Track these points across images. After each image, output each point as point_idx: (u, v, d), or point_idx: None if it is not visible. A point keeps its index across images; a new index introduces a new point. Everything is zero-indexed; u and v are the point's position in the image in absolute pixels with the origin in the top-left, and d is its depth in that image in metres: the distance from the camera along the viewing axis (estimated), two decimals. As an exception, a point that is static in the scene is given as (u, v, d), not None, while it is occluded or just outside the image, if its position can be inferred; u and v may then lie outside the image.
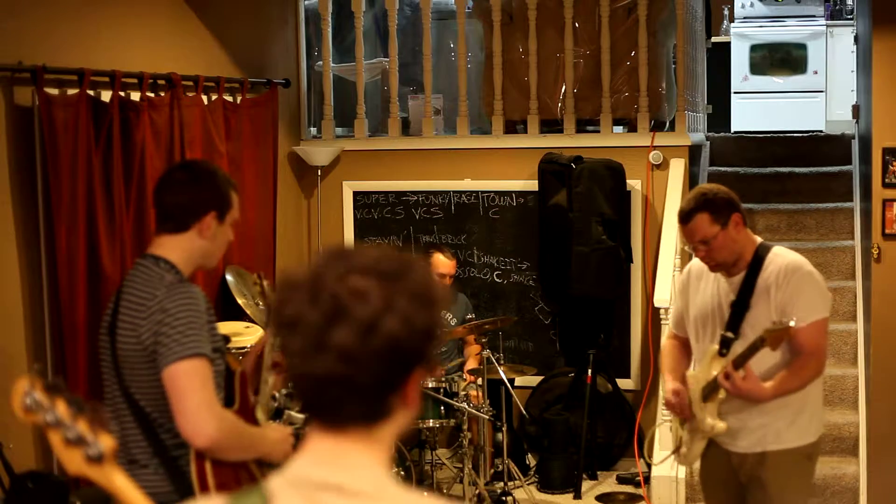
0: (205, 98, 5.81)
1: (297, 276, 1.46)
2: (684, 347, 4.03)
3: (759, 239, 3.82)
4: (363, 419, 1.45)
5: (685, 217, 3.71)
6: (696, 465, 4.13)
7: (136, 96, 5.23)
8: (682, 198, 6.44)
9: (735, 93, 9.09)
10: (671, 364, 4.01)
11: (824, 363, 3.74)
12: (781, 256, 3.73)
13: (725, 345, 3.71)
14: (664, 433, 6.09)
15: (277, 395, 3.81)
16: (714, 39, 8.75)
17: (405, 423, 1.49)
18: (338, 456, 1.45)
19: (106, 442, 1.50)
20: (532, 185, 6.76)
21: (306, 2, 7.42)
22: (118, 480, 1.53)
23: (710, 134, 8.11)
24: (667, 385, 3.94)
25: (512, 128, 7.07)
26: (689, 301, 3.93)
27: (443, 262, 6.06)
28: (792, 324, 3.44)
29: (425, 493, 3.11)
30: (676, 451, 4.04)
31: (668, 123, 7.06)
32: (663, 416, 6.05)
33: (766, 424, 3.74)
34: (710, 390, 3.74)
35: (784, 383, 3.65)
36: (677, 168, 6.58)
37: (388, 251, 1.48)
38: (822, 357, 3.71)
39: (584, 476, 6.28)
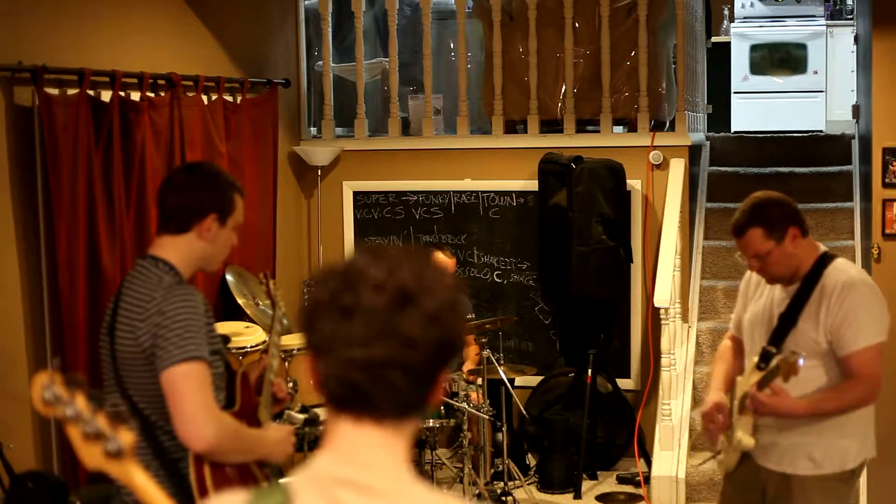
0: (205, 98, 5.81)
1: (345, 267, 1.49)
2: (740, 350, 3.82)
3: (822, 248, 3.60)
4: (401, 411, 1.49)
5: (738, 231, 3.52)
6: (707, 465, 3.97)
7: (136, 96, 5.23)
8: (680, 197, 6.46)
9: (735, 93, 9.08)
10: (722, 368, 3.81)
11: (876, 391, 3.49)
12: (840, 272, 3.51)
13: (765, 359, 3.51)
14: (665, 434, 6.09)
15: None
16: (714, 39, 8.74)
17: (421, 421, 1.52)
18: (361, 451, 1.47)
19: (125, 437, 1.49)
20: (532, 185, 6.76)
21: (306, 2, 7.42)
22: (137, 476, 1.52)
23: (710, 134, 8.11)
24: (710, 394, 3.74)
25: (512, 128, 7.07)
26: (746, 305, 3.76)
27: (442, 261, 6.06)
28: (801, 362, 3.31)
29: (445, 491, 3.10)
30: (716, 455, 3.88)
31: (668, 123, 7.05)
32: (664, 415, 6.06)
33: (797, 445, 3.57)
34: (744, 403, 3.57)
35: (821, 402, 3.47)
36: (677, 168, 6.58)
37: (404, 249, 1.53)
38: (873, 384, 3.48)
39: (584, 476, 6.27)
